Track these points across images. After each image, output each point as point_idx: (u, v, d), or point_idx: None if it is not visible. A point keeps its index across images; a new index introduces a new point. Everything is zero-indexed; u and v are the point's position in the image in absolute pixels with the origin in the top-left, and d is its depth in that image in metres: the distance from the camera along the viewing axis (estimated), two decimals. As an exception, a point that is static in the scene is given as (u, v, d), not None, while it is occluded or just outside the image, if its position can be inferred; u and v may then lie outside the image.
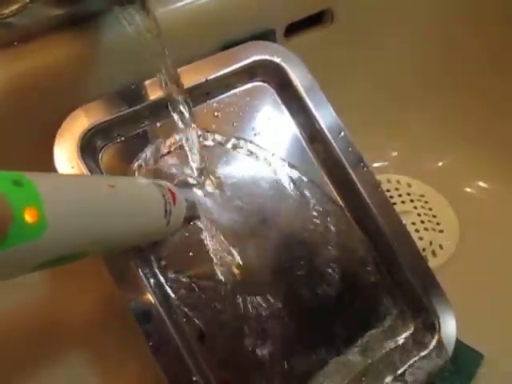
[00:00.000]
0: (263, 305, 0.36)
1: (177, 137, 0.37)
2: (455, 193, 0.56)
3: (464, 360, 0.42)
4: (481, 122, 0.57)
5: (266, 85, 0.41)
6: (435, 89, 0.57)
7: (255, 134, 0.40)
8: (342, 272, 0.39)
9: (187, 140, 0.36)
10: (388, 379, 0.36)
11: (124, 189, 0.27)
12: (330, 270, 0.38)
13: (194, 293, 0.35)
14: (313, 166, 0.40)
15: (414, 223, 0.53)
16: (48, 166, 0.33)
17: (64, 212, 0.21)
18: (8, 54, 0.34)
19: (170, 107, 0.35)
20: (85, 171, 0.33)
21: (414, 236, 0.46)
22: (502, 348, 0.44)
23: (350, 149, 0.39)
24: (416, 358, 0.37)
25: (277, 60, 0.39)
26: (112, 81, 0.37)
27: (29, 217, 0.19)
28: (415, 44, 0.54)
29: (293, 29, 0.46)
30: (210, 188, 0.38)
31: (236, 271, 0.37)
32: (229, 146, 0.39)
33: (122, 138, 0.37)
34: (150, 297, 0.33)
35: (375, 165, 0.58)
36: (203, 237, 0.36)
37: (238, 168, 0.39)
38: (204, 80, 0.38)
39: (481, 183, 0.58)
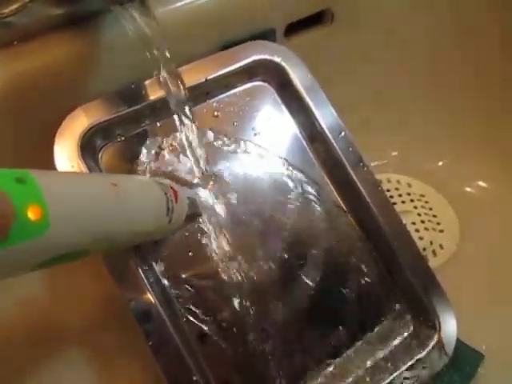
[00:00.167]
0: (263, 304, 0.36)
1: (177, 136, 0.37)
2: (455, 192, 0.56)
3: (464, 360, 0.41)
4: (481, 121, 0.57)
5: (266, 84, 0.41)
6: (435, 88, 0.57)
7: (255, 134, 0.40)
8: (341, 272, 0.39)
9: (187, 140, 0.36)
10: (388, 379, 0.36)
11: (126, 186, 0.27)
12: (330, 270, 0.38)
13: (194, 292, 0.35)
14: (313, 165, 0.40)
15: (414, 223, 0.53)
16: (48, 165, 0.33)
17: (66, 210, 0.21)
18: (8, 53, 0.34)
19: (170, 107, 0.35)
20: (85, 170, 0.33)
21: (414, 236, 0.46)
22: (502, 348, 0.44)
23: (351, 148, 0.39)
24: (416, 358, 0.37)
25: (277, 60, 0.39)
26: (112, 80, 0.37)
27: (31, 214, 0.19)
28: (415, 44, 0.54)
29: (293, 28, 0.45)
30: (210, 187, 0.38)
31: (236, 271, 0.36)
32: (229, 145, 0.39)
33: (122, 138, 0.37)
34: (149, 296, 0.33)
35: (375, 164, 0.58)
36: (203, 236, 0.36)
37: (239, 168, 0.39)
38: (204, 80, 0.38)
39: (481, 183, 0.57)
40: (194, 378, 0.32)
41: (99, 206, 0.24)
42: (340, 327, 0.38)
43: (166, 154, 0.37)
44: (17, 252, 0.19)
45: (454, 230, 0.54)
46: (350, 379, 0.37)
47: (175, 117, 0.35)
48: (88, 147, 0.35)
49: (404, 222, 0.40)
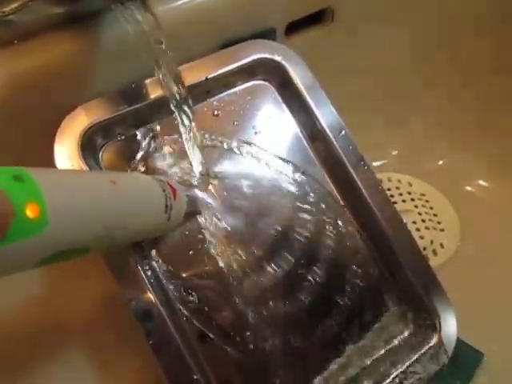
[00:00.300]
0: (264, 304, 0.36)
1: (177, 135, 0.37)
2: (456, 191, 0.56)
3: (464, 359, 0.42)
4: (481, 121, 0.57)
5: (266, 83, 0.41)
6: (435, 88, 0.57)
7: (256, 133, 0.40)
8: (342, 271, 0.39)
9: (187, 139, 0.36)
10: (389, 378, 0.36)
11: (125, 184, 0.27)
12: (330, 269, 0.38)
13: (194, 292, 0.35)
14: (313, 164, 0.40)
15: (414, 222, 0.53)
16: (48, 164, 0.33)
17: (65, 207, 0.21)
18: (8, 52, 0.34)
19: (170, 106, 0.35)
20: (85, 169, 0.33)
21: (415, 235, 0.45)
22: (502, 347, 0.44)
23: (351, 147, 0.39)
24: (417, 357, 0.37)
25: (277, 58, 0.39)
26: (112, 79, 0.37)
27: (30, 212, 0.19)
28: (416, 43, 0.54)
29: (293, 27, 0.45)
30: (210, 187, 0.38)
31: (236, 270, 0.36)
32: (229, 144, 0.39)
33: (123, 137, 0.37)
34: (150, 295, 0.33)
35: (376, 163, 0.58)
36: (203, 236, 0.36)
37: (239, 167, 0.39)
38: (204, 78, 0.38)
39: (481, 182, 0.57)
40: (195, 377, 0.32)
41: (98, 204, 0.24)
42: (340, 327, 0.38)
43: (166, 153, 0.37)
44: (15, 250, 0.19)
45: (455, 229, 0.54)
46: (351, 379, 0.37)
47: (175, 116, 0.35)
48: (88, 146, 0.35)
49: (404, 221, 0.40)
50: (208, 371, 0.34)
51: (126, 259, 0.33)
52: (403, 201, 0.55)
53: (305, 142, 0.41)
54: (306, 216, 0.39)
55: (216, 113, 0.39)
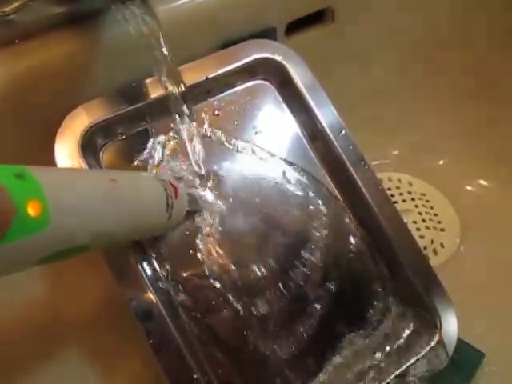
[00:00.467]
0: (263, 304, 0.36)
1: (177, 135, 0.37)
2: (456, 191, 0.56)
3: (465, 358, 0.41)
4: (481, 120, 0.57)
5: (266, 83, 0.41)
6: (435, 88, 0.57)
7: (256, 133, 0.40)
8: (342, 271, 0.39)
9: (188, 138, 0.36)
10: (389, 378, 0.36)
11: (125, 182, 0.27)
12: (330, 269, 0.38)
13: (194, 291, 0.35)
14: (314, 164, 0.40)
15: (415, 222, 0.53)
16: (49, 164, 0.33)
17: (66, 205, 0.21)
18: (9, 51, 0.34)
19: (170, 105, 0.35)
20: (85, 169, 0.33)
21: (415, 234, 0.46)
22: (503, 346, 0.44)
23: (351, 147, 0.39)
24: (417, 357, 0.37)
25: (278, 58, 0.39)
26: (113, 79, 0.37)
27: (31, 210, 0.19)
28: (416, 43, 0.54)
29: (293, 27, 0.46)
30: (210, 186, 0.38)
31: (236, 270, 0.36)
32: (229, 144, 0.39)
33: (123, 136, 0.37)
34: (150, 295, 0.33)
35: (376, 163, 0.58)
36: (204, 235, 0.36)
37: (239, 166, 0.39)
38: (204, 78, 0.38)
39: (481, 181, 0.57)
40: (195, 377, 0.32)
41: (99, 202, 0.24)
42: (340, 326, 0.38)
43: (167, 152, 0.37)
44: (16, 248, 0.19)
45: (455, 228, 0.54)
46: (351, 379, 0.37)
47: (176, 115, 0.35)
48: (89, 146, 0.35)
49: (405, 220, 0.39)
50: (208, 371, 0.34)
51: (126, 259, 0.33)
52: (403, 200, 0.55)
53: (305, 142, 0.41)
54: (305, 215, 0.39)
55: (216, 112, 0.39)
